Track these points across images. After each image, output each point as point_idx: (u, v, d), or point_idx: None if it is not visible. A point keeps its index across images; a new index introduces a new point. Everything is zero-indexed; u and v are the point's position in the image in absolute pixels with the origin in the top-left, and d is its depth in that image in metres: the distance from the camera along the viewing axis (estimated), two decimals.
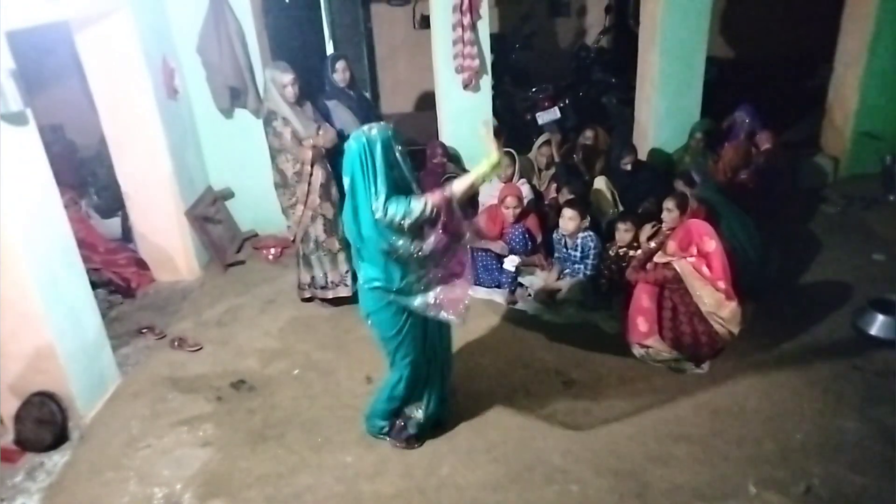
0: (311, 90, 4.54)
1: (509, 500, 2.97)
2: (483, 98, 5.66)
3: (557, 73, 7.98)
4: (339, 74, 4.52)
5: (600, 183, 5.13)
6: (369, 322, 3.03)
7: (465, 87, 5.52)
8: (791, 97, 7.13)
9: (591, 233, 4.48)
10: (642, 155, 5.69)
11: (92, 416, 3.66)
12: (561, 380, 3.73)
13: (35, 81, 4.64)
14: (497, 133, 4.31)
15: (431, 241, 2.75)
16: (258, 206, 5.47)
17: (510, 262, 4.57)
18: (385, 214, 2.66)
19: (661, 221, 4.10)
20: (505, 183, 4.89)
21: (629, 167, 5.25)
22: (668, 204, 4.01)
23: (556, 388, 3.67)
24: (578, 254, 4.51)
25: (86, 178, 6.03)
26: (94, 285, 4.00)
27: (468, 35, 5.30)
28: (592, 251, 4.44)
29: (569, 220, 4.43)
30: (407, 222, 2.67)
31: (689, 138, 5.71)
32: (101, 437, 3.53)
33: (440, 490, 3.04)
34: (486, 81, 5.62)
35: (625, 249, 4.34)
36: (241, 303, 4.80)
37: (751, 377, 3.64)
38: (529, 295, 4.56)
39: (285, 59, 4.43)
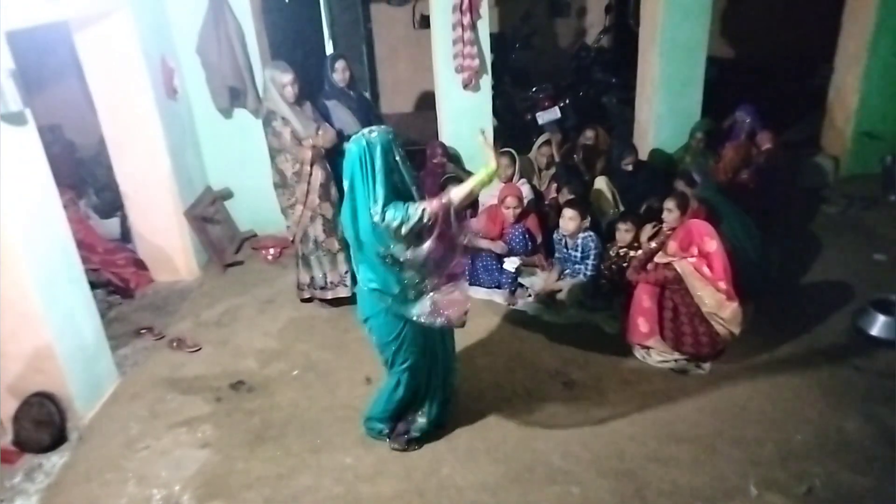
0: (311, 90, 4.53)
1: (509, 501, 2.96)
2: (483, 98, 5.64)
3: (557, 72, 7.97)
4: (339, 74, 4.51)
5: (601, 183, 5.12)
6: (367, 326, 3.01)
7: (465, 86, 5.51)
8: (791, 97, 7.10)
9: (591, 233, 4.47)
10: (643, 155, 5.68)
11: (91, 416, 3.65)
12: (561, 380, 3.72)
13: (34, 81, 4.65)
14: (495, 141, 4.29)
15: (426, 248, 2.72)
16: (257, 206, 5.46)
17: (510, 263, 4.57)
18: (383, 219, 2.66)
19: (661, 222, 4.08)
20: (505, 183, 4.88)
21: (630, 167, 5.23)
22: (669, 204, 4.00)
23: (557, 389, 3.66)
24: (579, 254, 4.49)
25: (85, 178, 6.03)
26: (92, 286, 3.98)
27: (468, 35, 5.29)
28: (593, 251, 4.43)
29: (569, 220, 4.42)
30: (404, 229, 2.66)
31: (689, 138, 5.69)
32: (99, 437, 3.52)
33: (440, 491, 3.02)
34: (486, 81, 5.61)
35: (625, 250, 4.33)
36: (240, 303, 4.79)
37: (751, 378, 3.63)
38: (529, 295, 4.55)
39: (285, 59, 4.44)
